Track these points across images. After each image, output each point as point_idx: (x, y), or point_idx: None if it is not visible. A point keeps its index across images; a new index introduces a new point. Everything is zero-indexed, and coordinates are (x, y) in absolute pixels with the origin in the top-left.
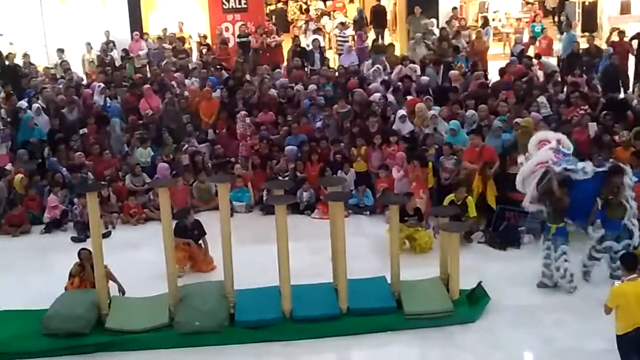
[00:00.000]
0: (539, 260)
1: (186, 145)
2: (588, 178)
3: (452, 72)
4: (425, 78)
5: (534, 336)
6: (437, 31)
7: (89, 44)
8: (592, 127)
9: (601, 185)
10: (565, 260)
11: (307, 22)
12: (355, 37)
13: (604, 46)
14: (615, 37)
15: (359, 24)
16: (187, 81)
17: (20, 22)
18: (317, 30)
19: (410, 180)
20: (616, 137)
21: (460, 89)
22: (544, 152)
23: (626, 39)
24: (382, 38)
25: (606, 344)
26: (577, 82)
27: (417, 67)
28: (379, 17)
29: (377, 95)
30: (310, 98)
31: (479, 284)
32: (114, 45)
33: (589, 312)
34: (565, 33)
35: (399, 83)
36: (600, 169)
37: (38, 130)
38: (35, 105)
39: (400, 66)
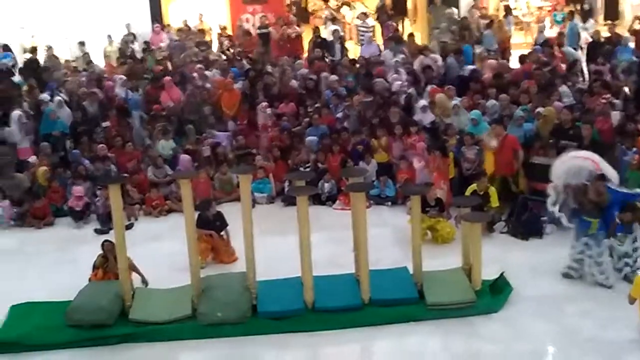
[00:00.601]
0: (562, 250)
1: (208, 137)
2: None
3: (489, 61)
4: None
5: (558, 326)
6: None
7: (109, 36)
8: (615, 116)
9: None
10: (609, 256)
11: (327, 13)
12: (383, 27)
13: (626, 34)
14: (637, 26)
15: (382, 13)
16: (208, 73)
17: (41, 15)
18: (336, 21)
19: (432, 171)
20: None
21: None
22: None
23: None
24: (403, 27)
25: (632, 333)
26: (600, 70)
27: (439, 57)
28: (399, 5)
29: (398, 84)
30: (331, 89)
31: (502, 274)
32: (135, 37)
33: (612, 302)
34: (570, 22)
35: (421, 73)
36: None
37: (60, 123)
38: (57, 98)
39: (421, 56)
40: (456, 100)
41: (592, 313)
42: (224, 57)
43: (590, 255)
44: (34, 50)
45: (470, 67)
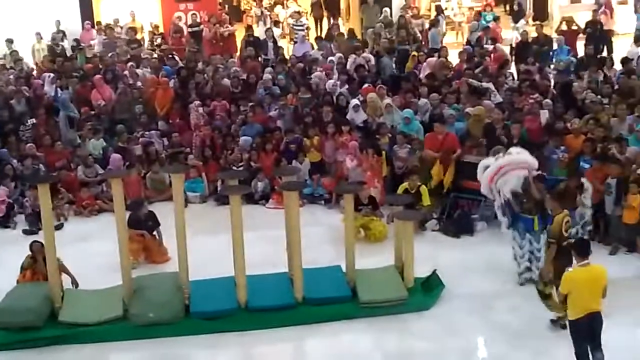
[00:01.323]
0: (493, 247)
1: (139, 136)
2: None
3: (430, 59)
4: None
5: (489, 322)
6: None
7: (38, 33)
8: (544, 115)
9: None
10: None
11: (260, 12)
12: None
13: (554, 35)
14: (564, 27)
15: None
16: (138, 71)
17: None
18: (269, 19)
19: (365, 170)
20: (568, 125)
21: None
22: (528, 157)
23: (574, 28)
24: (338, 27)
25: (559, 329)
26: (529, 70)
27: (371, 57)
28: (332, 4)
29: (330, 82)
30: (265, 87)
31: (434, 271)
32: (65, 35)
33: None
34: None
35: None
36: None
37: None
38: None
39: (354, 55)
40: (388, 99)
41: (521, 309)
42: (155, 56)
43: (531, 251)
44: None
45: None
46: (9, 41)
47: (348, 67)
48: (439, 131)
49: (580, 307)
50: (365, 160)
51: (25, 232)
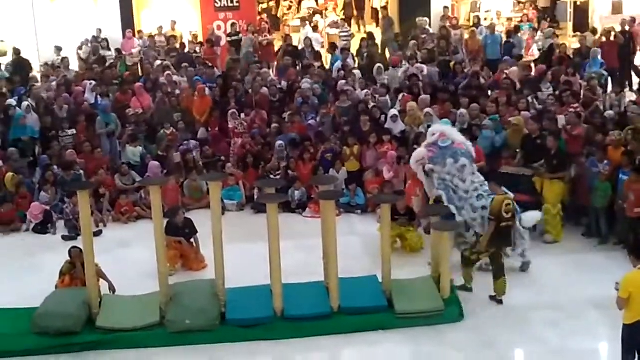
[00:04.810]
0: (532, 259)
1: (178, 144)
2: None
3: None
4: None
5: (524, 335)
6: (431, 31)
7: (81, 42)
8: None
9: None
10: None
11: (302, 21)
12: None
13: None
14: (604, 39)
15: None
16: (175, 78)
17: (11, 20)
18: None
19: (402, 180)
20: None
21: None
22: (419, 150)
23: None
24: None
25: (595, 343)
26: (570, 81)
27: (424, 67)
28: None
29: (365, 92)
30: (303, 97)
31: (450, 281)
32: (107, 43)
33: (577, 312)
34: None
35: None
36: None
37: (30, 128)
38: (25, 104)
39: (408, 65)
40: (429, 108)
41: (558, 322)
42: (194, 64)
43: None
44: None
45: None
46: (58, 49)
47: (400, 75)
48: None
49: (637, 312)
50: (405, 170)
51: (64, 238)
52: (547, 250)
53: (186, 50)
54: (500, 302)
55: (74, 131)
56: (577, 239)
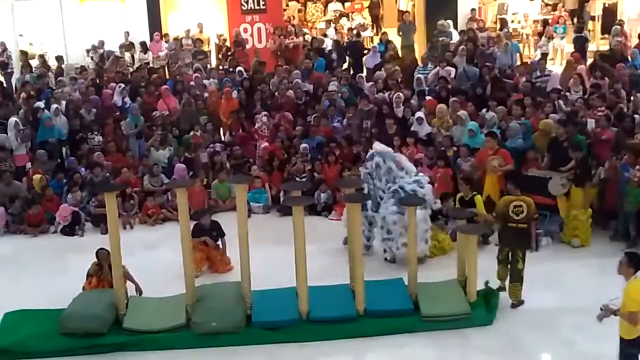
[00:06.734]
0: (557, 263)
1: (205, 146)
2: None
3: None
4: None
5: (552, 339)
6: (455, 33)
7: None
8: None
9: None
10: None
11: (327, 23)
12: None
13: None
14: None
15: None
16: (205, 81)
17: (39, 23)
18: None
19: (434, 182)
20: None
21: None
22: None
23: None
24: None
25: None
26: (598, 84)
27: (453, 70)
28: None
29: (386, 95)
30: (329, 99)
31: (486, 283)
32: (134, 46)
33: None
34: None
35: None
36: None
37: (57, 130)
38: (53, 106)
39: (437, 68)
40: (461, 111)
41: (586, 326)
42: (221, 67)
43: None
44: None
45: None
46: (95, 49)
47: (430, 78)
48: (489, 145)
49: None
50: (435, 173)
51: (102, 232)
52: (575, 254)
53: (213, 53)
54: (514, 305)
55: (100, 138)
56: (604, 243)
